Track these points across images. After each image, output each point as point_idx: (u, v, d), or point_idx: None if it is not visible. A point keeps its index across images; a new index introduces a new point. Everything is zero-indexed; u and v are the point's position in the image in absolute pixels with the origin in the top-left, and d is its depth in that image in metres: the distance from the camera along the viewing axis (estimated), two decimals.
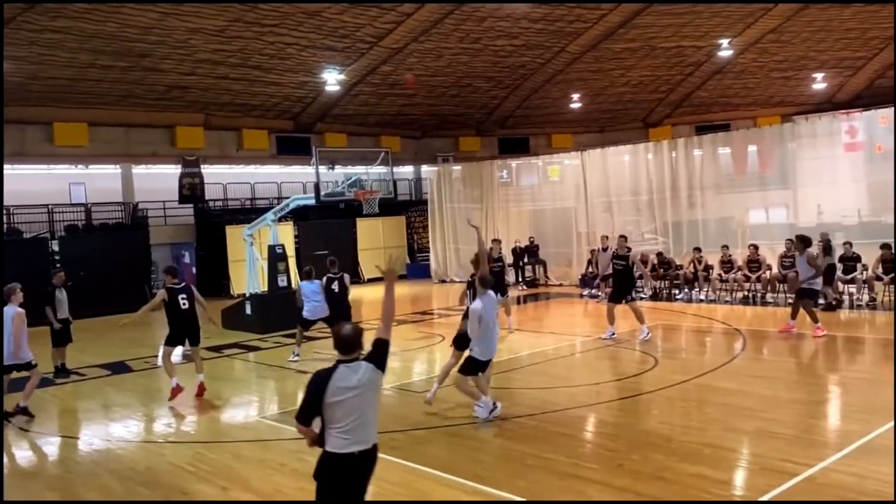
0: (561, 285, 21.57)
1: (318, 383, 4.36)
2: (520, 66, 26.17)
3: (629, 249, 13.07)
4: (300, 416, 4.42)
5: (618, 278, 12.97)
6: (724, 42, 24.45)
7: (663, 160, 19.63)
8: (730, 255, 16.87)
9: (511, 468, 6.68)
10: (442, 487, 6.35)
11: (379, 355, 4.53)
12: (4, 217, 19.90)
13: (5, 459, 7.99)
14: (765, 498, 5.67)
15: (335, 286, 12.41)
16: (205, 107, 24.48)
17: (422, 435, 7.78)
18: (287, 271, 16.50)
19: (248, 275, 17.04)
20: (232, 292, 22.75)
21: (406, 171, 31.54)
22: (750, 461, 6.74)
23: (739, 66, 26.57)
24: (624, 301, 12.77)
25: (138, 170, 24.74)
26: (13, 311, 9.12)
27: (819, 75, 26.89)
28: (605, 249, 16.48)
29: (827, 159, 16.95)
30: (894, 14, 21.17)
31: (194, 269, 25.74)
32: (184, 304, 10.06)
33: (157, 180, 25.08)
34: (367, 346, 4.52)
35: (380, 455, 7.12)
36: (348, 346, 4.43)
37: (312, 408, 4.37)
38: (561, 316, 16.96)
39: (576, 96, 28.94)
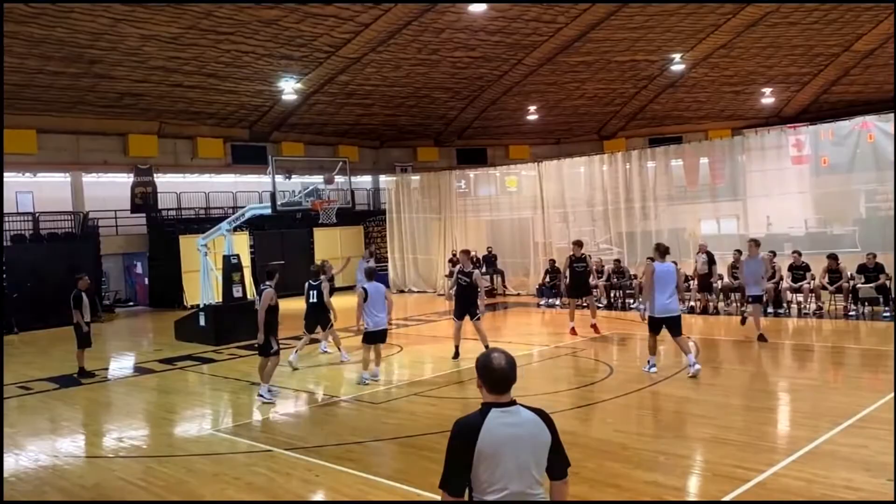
0: (518, 295, 21.70)
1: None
2: (477, 78, 26.35)
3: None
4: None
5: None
6: (677, 57, 24.99)
7: (617, 172, 19.92)
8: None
9: None
10: (397, 498, 6.31)
11: None
12: None
13: None
14: None
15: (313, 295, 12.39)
16: (158, 114, 24.06)
17: (378, 446, 7.73)
18: (242, 281, 16.26)
19: (202, 285, 16.74)
20: (185, 303, 22.34)
21: (364, 180, 31.44)
22: (703, 468, 6.85)
23: (691, 80, 27.16)
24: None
25: (89, 178, 24.18)
26: None
27: (767, 90, 27.66)
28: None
29: (775, 172, 17.37)
30: (894, 14, 21.47)
31: (146, 280, 25.23)
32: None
33: (109, 189, 24.53)
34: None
35: (335, 466, 7.02)
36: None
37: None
38: (518, 325, 17.05)
39: (532, 108, 29.25)
